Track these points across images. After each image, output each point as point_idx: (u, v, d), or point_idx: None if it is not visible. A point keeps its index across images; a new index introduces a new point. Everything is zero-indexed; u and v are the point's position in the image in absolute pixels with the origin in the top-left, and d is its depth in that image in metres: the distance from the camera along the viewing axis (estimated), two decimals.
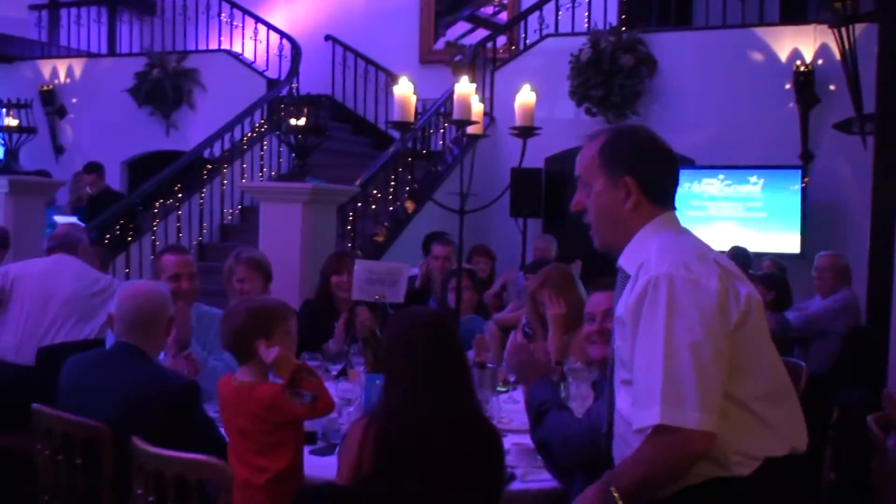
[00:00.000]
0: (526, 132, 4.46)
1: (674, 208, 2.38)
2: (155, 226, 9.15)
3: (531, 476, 3.07)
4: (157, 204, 9.36)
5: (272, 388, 2.97)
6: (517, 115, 4.49)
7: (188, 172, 9.74)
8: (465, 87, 4.21)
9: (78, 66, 12.37)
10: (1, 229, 6.55)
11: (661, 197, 2.35)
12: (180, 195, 9.56)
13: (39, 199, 7.68)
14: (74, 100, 12.23)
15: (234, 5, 12.39)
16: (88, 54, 12.68)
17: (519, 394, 3.72)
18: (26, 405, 3.29)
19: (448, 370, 2.68)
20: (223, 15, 12.56)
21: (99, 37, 13.09)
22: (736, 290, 2.19)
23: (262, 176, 10.24)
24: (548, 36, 10.42)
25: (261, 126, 10.56)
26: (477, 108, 4.41)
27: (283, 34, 12.07)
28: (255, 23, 12.34)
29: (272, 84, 11.29)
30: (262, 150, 10.47)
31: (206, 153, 10.06)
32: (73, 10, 13.10)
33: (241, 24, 12.45)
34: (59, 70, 12.37)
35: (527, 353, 3.32)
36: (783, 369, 2.30)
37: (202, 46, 12.45)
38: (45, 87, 12.16)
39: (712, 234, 8.72)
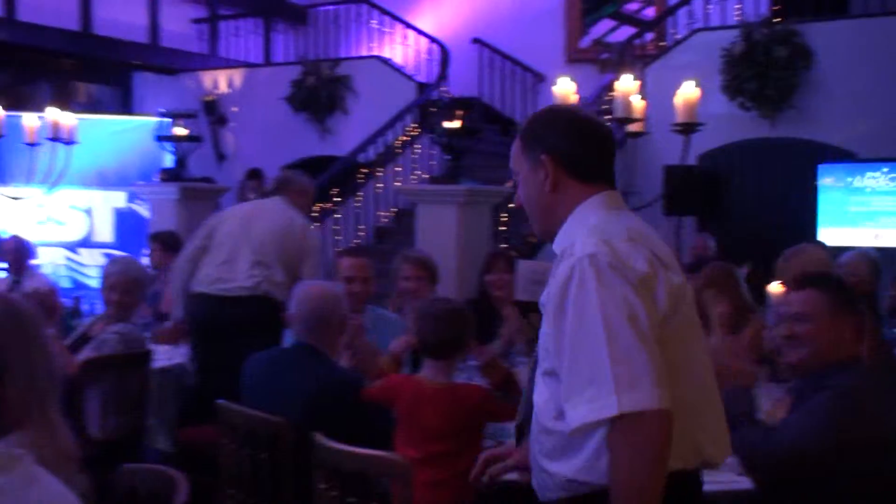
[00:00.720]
0: (688, 128, 4.41)
1: (612, 186, 2.20)
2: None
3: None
4: (316, 207, 9.63)
5: (479, 389, 3.02)
6: (679, 110, 4.44)
7: (343, 176, 9.99)
8: (627, 85, 4.19)
9: (237, 76, 12.84)
10: (172, 234, 6.87)
11: (588, 174, 2.17)
12: (336, 199, 9.81)
13: (207, 204, 8.04)
14: (234, 109, 12.69)
15: (383, 12, 12.66)
16: (247, 64, 13.16)
17: None
18: None
19: None
20: (373, 22, 12.85)
21: (256, 47, 13.59)
22: (667, 277, 2.03)
23: (414, 178, 10.41)
24: (698, 30, 10.22)
25: (413, 129, 10.74)
26: (638, 105, 4.38)
27: (431, 38, 12.26)
28: (405, 28, 12.58)
29: (422, 88, 11.47)
30: (413, 153, 10.65)
31: (361, 157, 10.30)
32: (232, 23, 13.65)
33: (390, 30, 12.72)
34: (220, 81, 12.87)
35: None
36: (712, 376, 2.13)
37: (354, 53, 12.77)
38: (208, 98, 12.67)
39: (876, 231, 8.38)
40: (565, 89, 4.20)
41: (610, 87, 9.60)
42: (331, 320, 3.41)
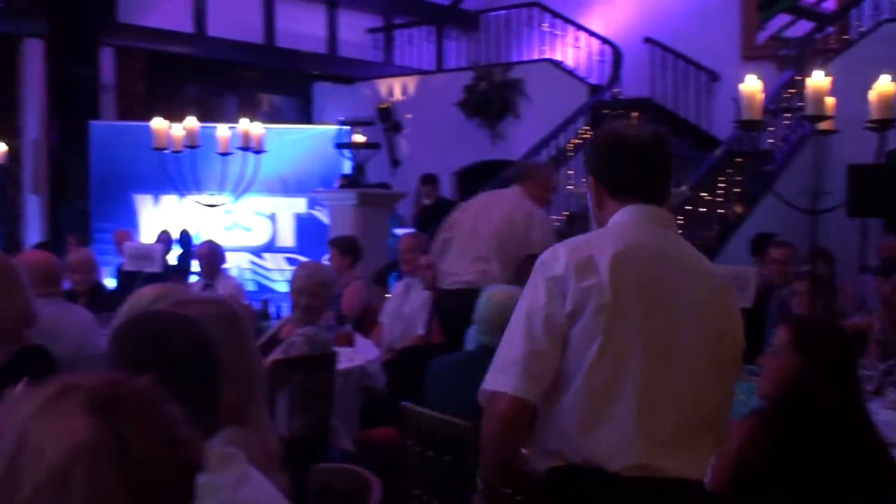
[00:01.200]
0: (885, 125, 4.21)
1: (642, 200, 2.30)
2: None
3: None
4: None
5: None
6: (874, 106, 4.24)
7: None
8: (819, 81, 4.04)
9: (411, 83, 13.08)
10: (352, 238, 7.05)
11: (622, 191, 2.32)
12: None
13: (383, 209, 8.23)
14: (408, 115, 12.93)
15: (555, 14, 12.64)
16: (420, 72, 13.39)
17: None
18: None
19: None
20: (544, 25, 12.85)
21: (429, 54, 13.83)
22: (583, 283, 2.16)
23: (585, 181, 10.31)
24: (885, 22, 9.72)
25: (585, 132, 10.66)
26: (829, 102, 4.21)
27: (603, 39, 12.15)
28: (576, 30, 12.52)
29: (594, 90, 11.38)
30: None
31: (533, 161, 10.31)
32: (406, 31, 13.94)
33: (561, 33, 12.69)
34: (395, 88, 13.14)
35: None
36: (628, 388, 2.15)
37: (525, 57, 12.80)
38: (383, 105, 12.95)
39: None
40: (751, 88, 4.08)
41: (790, 84, 9.29)
42: None
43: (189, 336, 1.67)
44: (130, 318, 1.91)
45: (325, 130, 9.83)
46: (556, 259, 2.21)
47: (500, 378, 2.18)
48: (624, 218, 2.30)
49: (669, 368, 2.17)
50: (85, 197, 10.02)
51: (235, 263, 9.59)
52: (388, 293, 6.92)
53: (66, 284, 6.10)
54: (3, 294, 2.92)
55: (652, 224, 2.30)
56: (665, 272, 2.22)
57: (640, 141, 2.34)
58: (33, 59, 10.72)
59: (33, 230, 10.83)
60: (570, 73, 11.92)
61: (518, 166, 5.55)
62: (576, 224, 9.71)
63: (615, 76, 11.18)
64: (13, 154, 9.86)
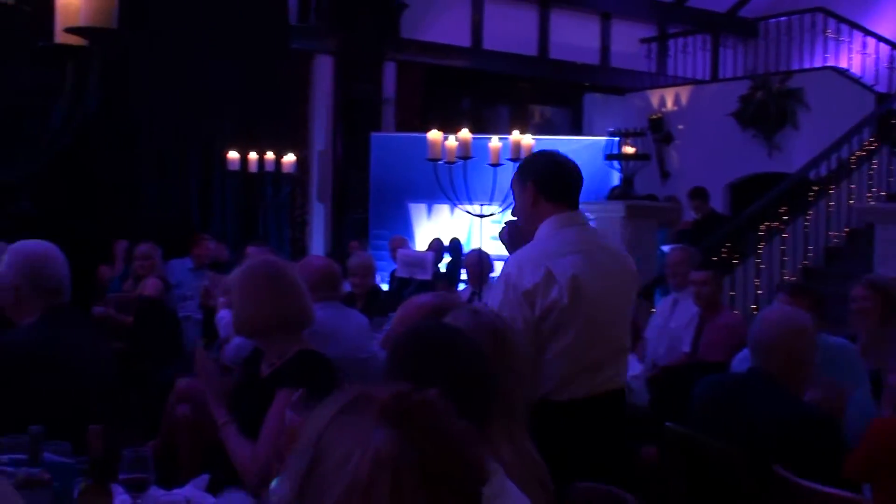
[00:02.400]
0: None
1: (573, 207, 3.22)
2: (759, 249, 9.14)
3: None
4: (762, 226, 9.33)
5: None
6: None
7: (792, 194, 9.58)
8: None
9: (684, 93, 12.82)
10: None
11: (556, 196, 3.21)
12: (785, 217, 9.44)
13: (651, 221, 8.13)
14: (680, 126, 12.67)
15: (840, 20, 11.98)
16: (694, 81, 13.11)
17: None
18: None
19: None
20: (828, 31, 12.21)
21: (704, 63, 13.50)
22: (548, 292, 3.01)
23: (870, 196, 9.72)
24: None
25: (870, 143, 10.03)
26: None
27: (893, 45, 11.37)
28: (863, 36, 11.80)
29: (882, 98, 10.68)
30: (871, 169, 9.93)
31: (811, 174, 9.82)
32: (680, 40, 13.68)
33: (847, 39, 12.00)
34: (667, 98, 12.93)
35: None
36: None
37: (806, 65, 12.21)
38: (654, 116, 12.77)
39: None
40: None
41: None
42: (792, 352, 3.25)
43: (470, 351, 1.72)
44: (414, 330, 1.98)
45: (595, 141, 9.84)
46: (522, 276, 3.04)
47: None
48: (564, 221, 3.18)
49: (599, 334, 3.13)
50: (365, 205, 10.57)
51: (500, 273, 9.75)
52: (653, 308, 6.82)
53: (347, 287, 6.47)
54: (279, 297, 3.12)
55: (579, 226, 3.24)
56: (597, 269, 3.12)
57: (569, 163, 3.30)
58: (323, 75, 11.45)
59: (318, 236, 11.55)
60: (855, 80, 11.25)
61: None
62: (857, 242, 9.15)
63: None
64: (302, 164, 10.58)
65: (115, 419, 3.20)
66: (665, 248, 8.30)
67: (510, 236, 3.85)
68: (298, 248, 10.94)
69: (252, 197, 10.26)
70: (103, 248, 8.17)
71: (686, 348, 6.00)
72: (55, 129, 1.95)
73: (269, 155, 9.36)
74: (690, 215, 10.42)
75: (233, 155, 9.27)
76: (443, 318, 2.17)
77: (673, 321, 6.21)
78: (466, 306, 2.65)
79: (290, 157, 9.45)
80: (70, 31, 1.98)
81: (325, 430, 1.20)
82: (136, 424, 4.47)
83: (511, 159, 7.64)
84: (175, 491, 2.52)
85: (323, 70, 11.45)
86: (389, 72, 11.77)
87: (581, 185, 3.29)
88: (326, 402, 1.24)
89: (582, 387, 3.11)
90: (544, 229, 3.18)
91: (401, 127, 11.71)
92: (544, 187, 3.21)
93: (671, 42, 13.74)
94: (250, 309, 3.08)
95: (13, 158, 2.25)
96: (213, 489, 2.71)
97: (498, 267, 9.36)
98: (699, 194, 10.18)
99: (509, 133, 7.84)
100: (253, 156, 9.34)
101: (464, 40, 12.17)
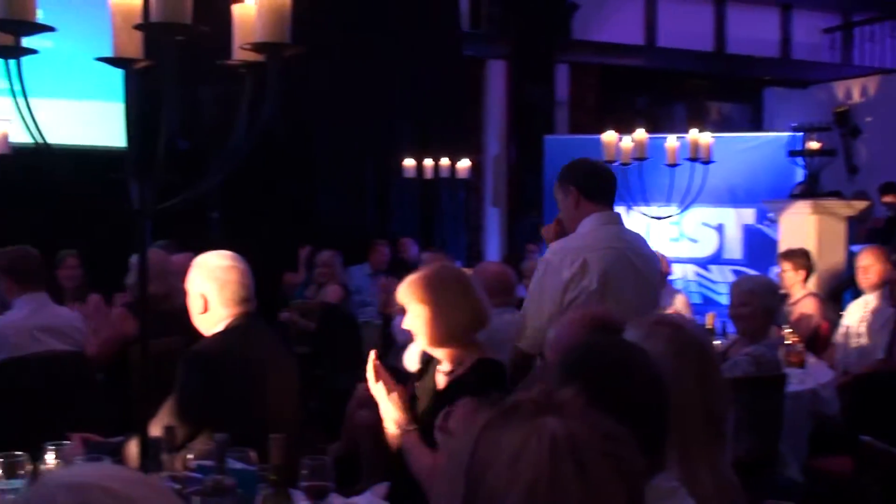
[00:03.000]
0: None
1: (609, 207, 3.74)
2: None
3: None
4: None
5: None
6: None
7: None
8: None
9: (871, 84, 12.21)
10: (804, 251, 6.70)
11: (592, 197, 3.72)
12: None
13: (839, 220, 7.73)
14: (868, 119, 12.07)
15: None
16: (882, 71, 12.44)
17: None
18: None
19: None
20: None
21: (893, 52, 12.78)
22: (581, 280, 3.54)
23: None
24: None
25: None
26: None
27: None
28: None
29: None
30: None
31: None
32: (866, 28, 13.00)
33: None
34: (853, 90, 12.35)
35: None
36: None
37: None
38: (840, 109, 12.22)
39: None
40: None
41: None
42: None
43: (646, 373, 1.67)
44: (590, 344, 1.93)
45: (777, 138, 9.47)
46: (563, 265, 3.58)
47: (521, 343, 3.71)
48: (604, 219, 3.69)
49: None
50: (539, 209, 10.55)
51: (681, 275, 9.54)
52: (842, 311, 6.50)
53: (522, 291, 6.47)
54: (468, 304, 3.12)
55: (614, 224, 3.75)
56: (626, 264, 3.62)
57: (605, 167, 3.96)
58: (496, 79, 11.51)
59: (492, 241, 11.62)
60: None
61: None
62: None
63: None
64: (476, 169, 10.66)
65: (297, 425, 3.30)
66: (855, 248, 7.89)
67: (555, 234, 3.97)
68: (474, 254, 11.03)
69: (428, 203, 10.42)
70: (287, 255, 8.47)
71: (880, 354, 5.69)
72: (237, 142, 2.02)
73: (444, 161, 9.47)
74: (881, 212, 9.89)
75: (408, 162, 9.43)
76: (643, 329, 2.08)
77: (865, 325, 5.91)
78: (663, 319, 2.54)
79: (464, 163, 9.54)
80: (247, 47, 2.06)
81: (476, 448, 1.19)
82: (317, 429, 4.60)
83: (689, 159, 7.45)
84: (354, 499, 2.57)
85: (495, 75, 11.51)
86: (562, 74, 11.72)
87: (616, 187, 3.85)
88: (485, 410, 1.23)
89: None
90: (586, 225, 3.69)
91: (574, 129, 11.63)
92: (585, 190, 3.73)
93: (856, 30, 13.07)
94: (441, 317, 3.08)
95: (202, 172, 2.37)
96: (394, 497, 2.75)
97: (676, 270, 9.19)
98: (891, 190, 9.65)
99: (686, 132, 7.65)
100: (428, 162, 9.47)
101: (637, 38, 11.97)
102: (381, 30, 9.81)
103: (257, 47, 2.01)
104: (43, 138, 2.03)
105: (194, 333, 3.35)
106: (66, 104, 8.38)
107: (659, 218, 8.08)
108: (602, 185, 3.78)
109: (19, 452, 2.41)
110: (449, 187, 10.17)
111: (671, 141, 7.68)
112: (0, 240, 5.76)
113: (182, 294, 3.40)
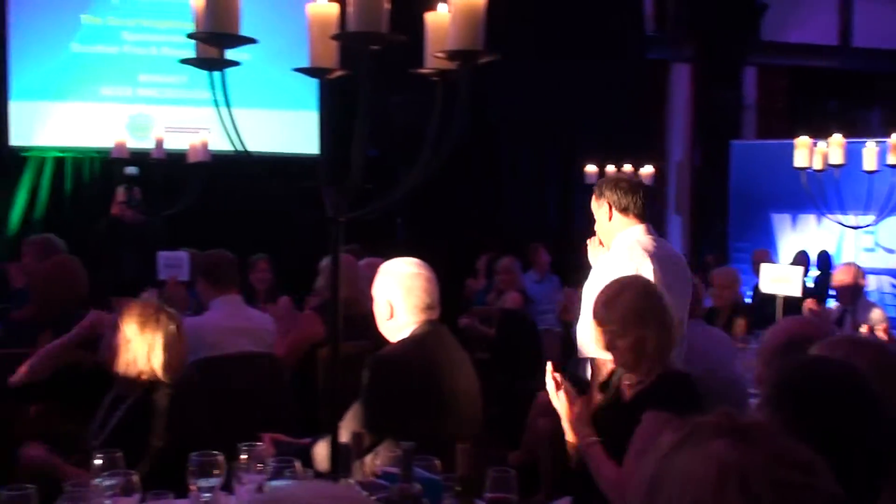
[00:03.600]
0: None
1: (634, 219, 3.86)
2: None
3: None
4: None
5: None
6: None
7: None
8: None
9: None
10: None
11: (625, 211, 3.87)
12: None
13: None
14: None
15: None
16: None
17: None
18: None
19: None
20: None
21: None
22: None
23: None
24: None
25: None
26: None
27: None
28: None
29: None
30: None
31: None
32: None
33: None
34: None
35: None
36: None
37: None
38: None
39: None
40: None
41: None
42: None
43: (860, 396, 1.56)
44: (800, 364, 1.82)
45: None
46: (643, 264, 3.67)
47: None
48: (646, 231, 3.84)
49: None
50: (724, 216, 10.25)
51: (876, 287, 9.06)
52: None
53: (707, 302, 6.28)
54: (657, 328, 3.02)
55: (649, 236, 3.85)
56: (667, 271, 3.70)
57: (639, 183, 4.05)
58: (680, 83, 11.25)
59: (675, 248, 11.33)
60: None
61: None
62: None
63: None
64: (660, 176, 10.44)
65: (479, 433, 3.29)
66: None
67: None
68: None
69: None
70: (469, 261, 8.54)
71: None
72: (429, 151, 2.02)
73: (627, 167, 9.31)
74: None
75: (590, 168, 9.32)
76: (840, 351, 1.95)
77: None
78: (865, 341, 2.38)
79: (647, 169, 9.35)
80: (440, 55, 2.05)
81: (655, 465, 1.20)
82: (497, 436, 4.59)
83: (890, 165, 7.04)
84: None
85: (680, 78, 11.25)
86: (749, 76, 11.34)
87: (649, 201, 4.00)
88: (659, 438, 1.23)
89: None
90: (625, 238, 3.82)
91: (762, 134, 11.23)
92: (618, 204, 3.85)
93: None
94: (638, 343, 2.99)
95: (391, 179, 2.40)
96: None
97: (873, 282, 8.71)
98: None
99: (886, 136, 7.23)
100: (611, 168, 9.34)
101: (831, 39, 11.44)
102: (563, 33, 9.75)
103: (451, 55, 2.00)
104: (244, 147, 2.08)
105: (380, 338, 3.39)
106: (262, 113, 8.75)
107: (854, 227, 7.67)
108: (634, 201, 3.88)
109: (215, 451, 2.48)
110: None
111: (870, 146, 7.28)
112: (198, 243, 6.07)
113: (369, 299, 3.45)
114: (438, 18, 2.11)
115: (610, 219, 3.87)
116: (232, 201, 7.90)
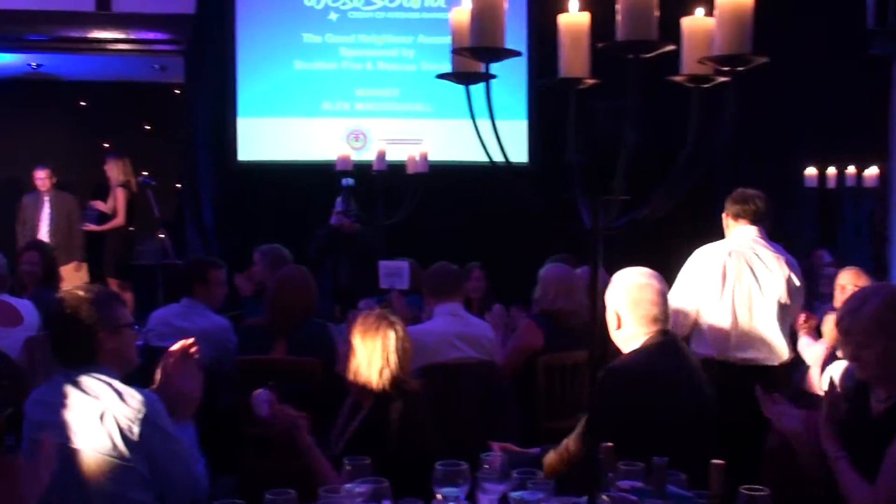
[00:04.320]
0: None
1: (745, 222, 4.76)
2: None
3: None
4: None
5: None
6: None
7: None
8: None
9: None
10: None
11: (737, 217, 4.79)
12: None
13: None
14: None
15: None
16: None
17: None
18: None
19: None
20: None
21: None
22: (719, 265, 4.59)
23: None
24: None
25: None
26: None
27: None
28: None
29: None
30: None
31: None
32: None
33: None
34: None
35: None
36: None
37: None
38: None
39: None
40: None
41: None
42: None
43: None
44: None
45: None
46: (706, 258, 4.63)
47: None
48: (744, 232, 4.70)
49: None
50: None
51: None
52: None
53: None
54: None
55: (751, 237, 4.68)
56: (754, 262, 4.60)
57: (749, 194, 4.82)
58: None
59: None
60: None
61: None
62: None
63: None
64: (883, 177, 9.88)
65: (713, 448, 3.18)
66: None
67: None
68: (880, 266, 10.24)
69: (827, 213, 9.81)
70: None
71: None
72: (684, 162, 1.97)
73: (850, 169, 8.84)
74: None
75: (810, 171, 8.91)
76: None
77: None
78: None
79: (872, 170, 8.84)
80: (703, 61, 1.99)
81: None
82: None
83: None
84: None
85: None
86: None
87: (763, 210, 4.75)
88: None
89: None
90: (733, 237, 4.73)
91: None
92: (733, 213, 4.78)
93: None
94: (881, 342, 2.84)
95: (648, 195, 2.36)
96: None
97: None
98: None
99: None
100: (831, 170, 8.90)
101: None
102: (780, 27, 9.36)
103: (720, 60, 1.93)
104: (506, 158, 2.09)
105: (601, 349, 3.36)
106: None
107: None
108: (745, 209, 4.77)
109: (461, 461, 2.49)
110: (853, 197, 9.48)
111: None
112: (413, 253, 6.20)
113: (586, 309, 3.43)
114: (695, 23, 2.05)
115: (727, 226, 4.83)
116: (445, 211, 8.01)
